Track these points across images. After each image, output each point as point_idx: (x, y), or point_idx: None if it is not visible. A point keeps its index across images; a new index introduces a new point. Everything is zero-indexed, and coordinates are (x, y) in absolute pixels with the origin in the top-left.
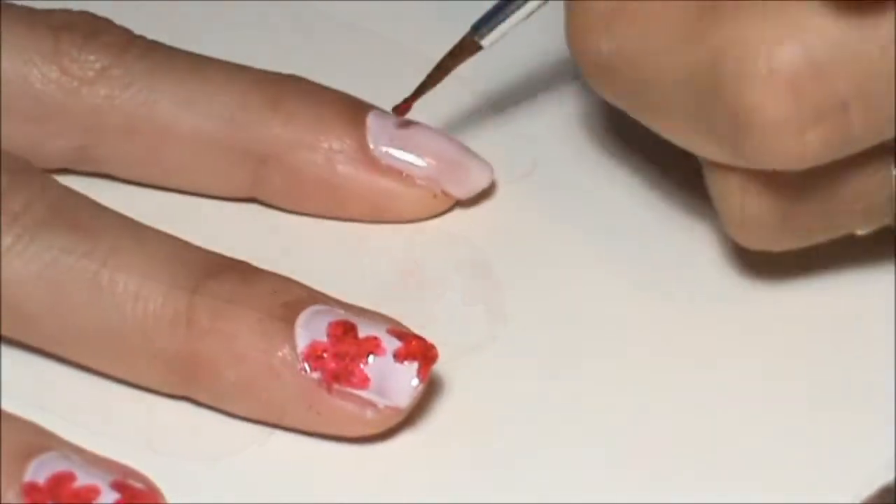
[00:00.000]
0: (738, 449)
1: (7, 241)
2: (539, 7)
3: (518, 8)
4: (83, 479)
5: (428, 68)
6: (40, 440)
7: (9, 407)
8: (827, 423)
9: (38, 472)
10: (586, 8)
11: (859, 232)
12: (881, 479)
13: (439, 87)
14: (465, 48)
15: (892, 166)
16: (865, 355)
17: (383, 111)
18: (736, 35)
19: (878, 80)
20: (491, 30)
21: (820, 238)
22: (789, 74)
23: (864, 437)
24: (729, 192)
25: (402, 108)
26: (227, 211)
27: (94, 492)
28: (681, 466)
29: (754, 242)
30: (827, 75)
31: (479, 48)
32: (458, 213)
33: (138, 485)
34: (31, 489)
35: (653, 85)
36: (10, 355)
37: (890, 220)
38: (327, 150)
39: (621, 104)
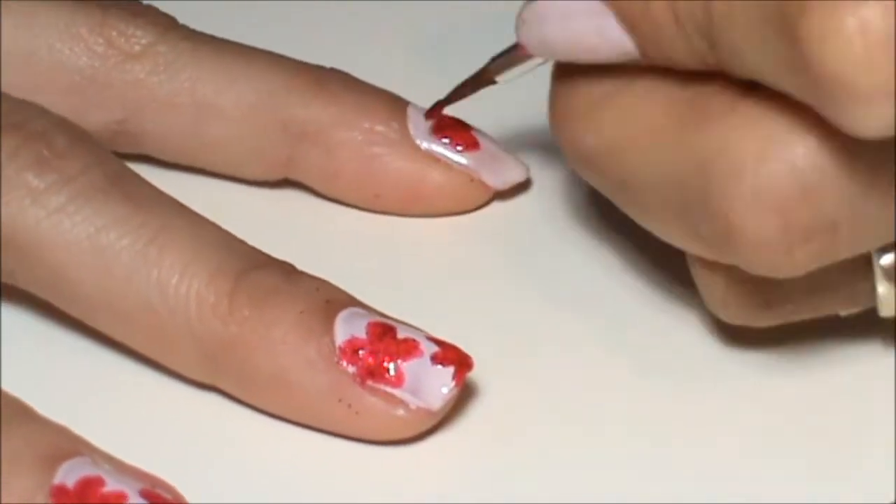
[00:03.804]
0: None
1: (60, 199)
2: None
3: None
4: (112, 485)
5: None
6: (71, 445)
7: (41, 410)
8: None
9: (68, 475)
10: (570, 95)
11: (843, 313)
12: None
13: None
14: (482, 80)
15: (874, 258)
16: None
17: (421, 108)
18: (722, 146)
19: (868, 200)
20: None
21: (805, 317)
22: (775, 195)
23: None
24: (712, 282)
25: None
26: (256, 215)
27: (122, 497)
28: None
29: (737, 322)
30: (815, 195)
31: (495, 82)
32: (494, 212)
33: (167, 495)
34: (59, 492)
35: (638, 181)
36: (42, 359)
37: (872, 304)
38: (367, 130)
39: (607, 195)
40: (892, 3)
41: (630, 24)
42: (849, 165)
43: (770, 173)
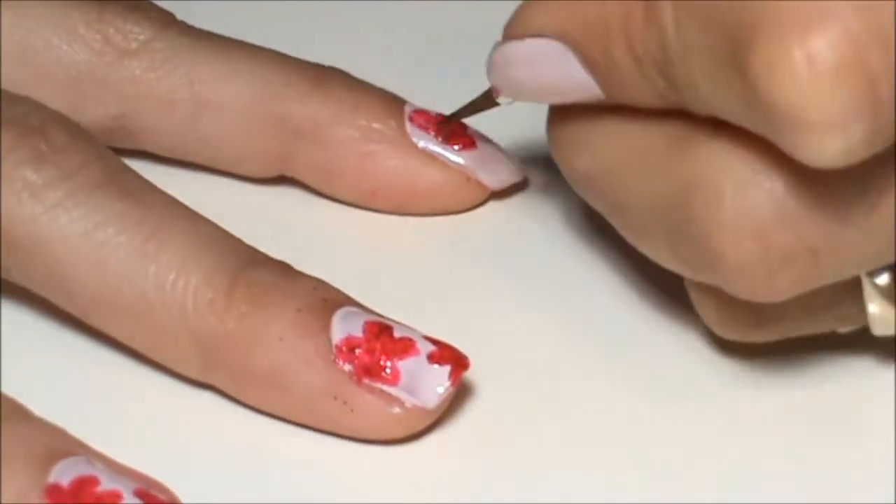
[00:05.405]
0: None
1: (58, 195)
2: None
3: None
4: (106, 484)
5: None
6: (66, 444)
7: (37, 410)
8: None
9: (62, 474)
10: (566, 121)
11: (841, 331)
12: None
13: None
14: (486, 102)
15: (862, 278)
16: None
17: (418, 107)
18: (703, 173)
19: (847, 227)
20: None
21: (801, 334)
22: (755, 221)
23: None
24: (704, 301)
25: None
26: (253, 214)
27: (116, 497)
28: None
29: (733, 338)
30: (794, 222)
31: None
32: (490, 212)
33: (161, 496)
34: (54, 491)
35: (628, 206)
36: (38, 359)
37: (865, 324)
38: (364, 128)
39: (605, 216)
40: (840, 32)
41: (592, 67)
42: (826, 193)
43: (749, 201)
